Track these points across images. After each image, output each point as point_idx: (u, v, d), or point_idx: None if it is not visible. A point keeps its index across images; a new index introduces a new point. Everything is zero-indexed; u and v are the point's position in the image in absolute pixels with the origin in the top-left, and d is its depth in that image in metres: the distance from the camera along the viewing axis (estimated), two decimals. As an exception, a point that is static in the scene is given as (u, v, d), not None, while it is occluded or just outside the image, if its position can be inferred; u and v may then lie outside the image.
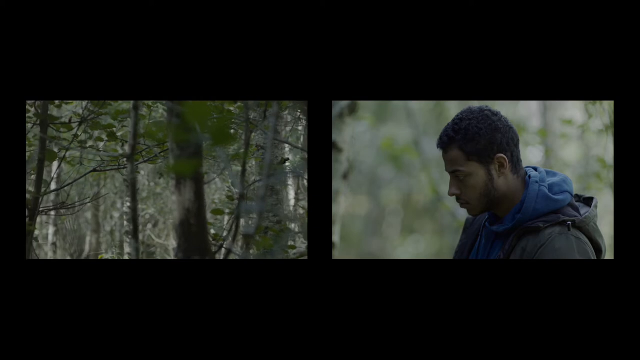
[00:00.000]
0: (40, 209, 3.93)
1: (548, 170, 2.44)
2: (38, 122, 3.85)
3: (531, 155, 6.99)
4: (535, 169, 2.44)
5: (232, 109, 4.13)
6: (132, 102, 2.22)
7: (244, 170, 2.21)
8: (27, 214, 3.75)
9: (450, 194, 2.39)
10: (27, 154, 4.13)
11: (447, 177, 2.41)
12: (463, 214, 2.52)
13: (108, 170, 4.53)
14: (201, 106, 1.61)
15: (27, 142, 3.94)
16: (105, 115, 4.09)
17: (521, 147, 2.41)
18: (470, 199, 2.37)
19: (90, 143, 4.23)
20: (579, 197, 2.45)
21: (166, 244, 10.93)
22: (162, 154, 4.13)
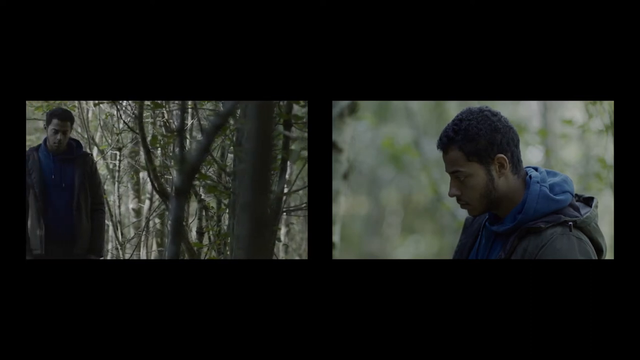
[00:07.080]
0: (284, 209, 3.88)
1: (548, 170, 2.44)
2: (281, 122, 3.82)
3: (531, 155, 6.98)
4: (536, 169, 2.44)
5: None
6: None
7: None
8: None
9: (451, 195, 2.38)
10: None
11: (447, 177, 2.41)
12: (463, 214, 2.52)
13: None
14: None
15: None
16: None
17: (521, 147, 2.41)
18: (471, 199, 2.37)
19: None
20: (578, 197, 2.45)
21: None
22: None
